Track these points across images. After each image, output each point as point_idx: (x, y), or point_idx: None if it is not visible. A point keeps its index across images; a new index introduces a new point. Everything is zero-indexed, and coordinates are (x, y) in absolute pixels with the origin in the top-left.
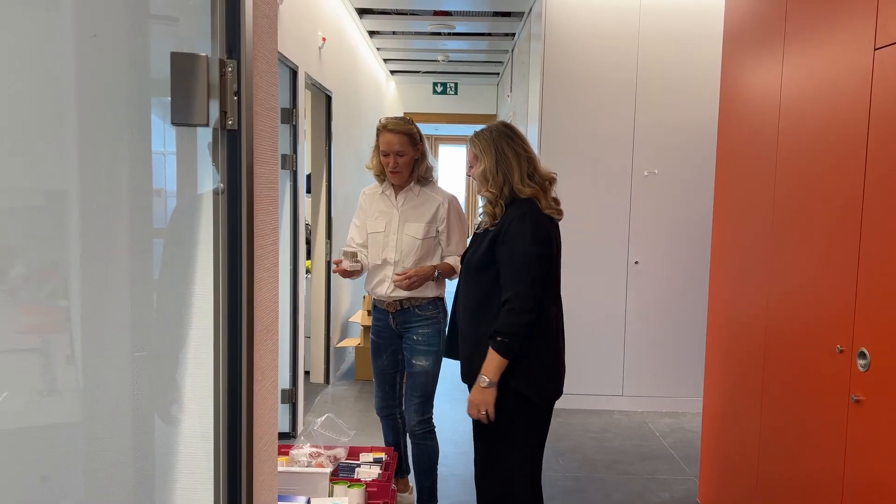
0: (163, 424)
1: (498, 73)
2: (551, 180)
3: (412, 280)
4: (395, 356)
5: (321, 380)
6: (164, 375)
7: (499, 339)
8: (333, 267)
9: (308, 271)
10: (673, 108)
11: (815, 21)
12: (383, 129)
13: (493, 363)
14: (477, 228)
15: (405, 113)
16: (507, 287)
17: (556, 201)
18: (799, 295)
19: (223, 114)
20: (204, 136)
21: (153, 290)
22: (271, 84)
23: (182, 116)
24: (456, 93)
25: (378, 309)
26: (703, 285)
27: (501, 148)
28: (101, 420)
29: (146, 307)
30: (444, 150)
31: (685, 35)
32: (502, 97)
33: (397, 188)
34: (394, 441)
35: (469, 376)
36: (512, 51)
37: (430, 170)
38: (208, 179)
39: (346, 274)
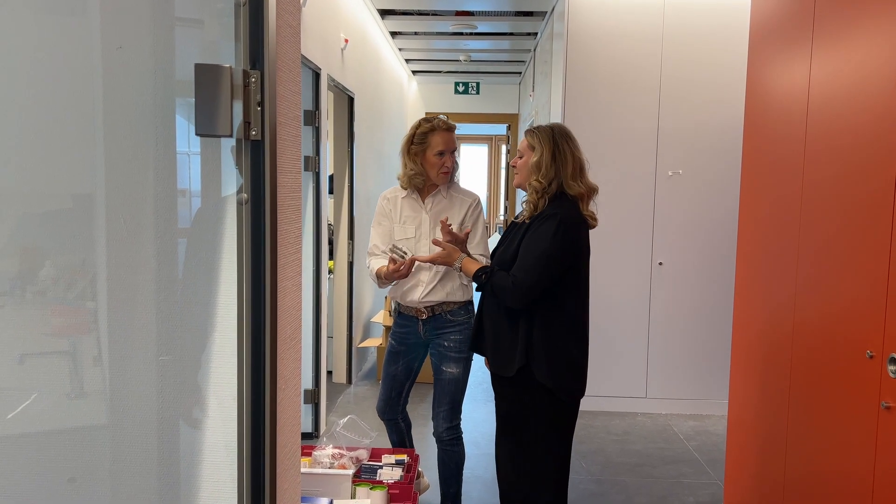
0: (187, 431)
1: (520, 73)
2: (594, 190)
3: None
4: (412, 364)
5: (343, 380)
6: (188, 382)
7: (483, 277)
8: (393, 272)
9: (331, 272)
10: (697, 108)
11: (844, 19)
12: (438, 128)
13: (468, 270)
14: (516, 218)
15: (426, 113)
16: (519, 271)
17: (592, 212)
18: (827, 298)
19: (247, 124)
20: (228, 140)
21: (177, 296)
22: (294, 93)
23: (206, 127)
24: (478, 92)
25: (404, 316)
26: (727, 287)
27: (560, 144)
28: (127, 424)
29: (171, 312)
30: (465, 149)
31: (710, 34)
32: (524, 97)
33: (424, 192)
34: (398, 441)
35: (496, 366)
36: (534, 50)
37: (456, 170)
38: (232, 185)
39: (402, 271)
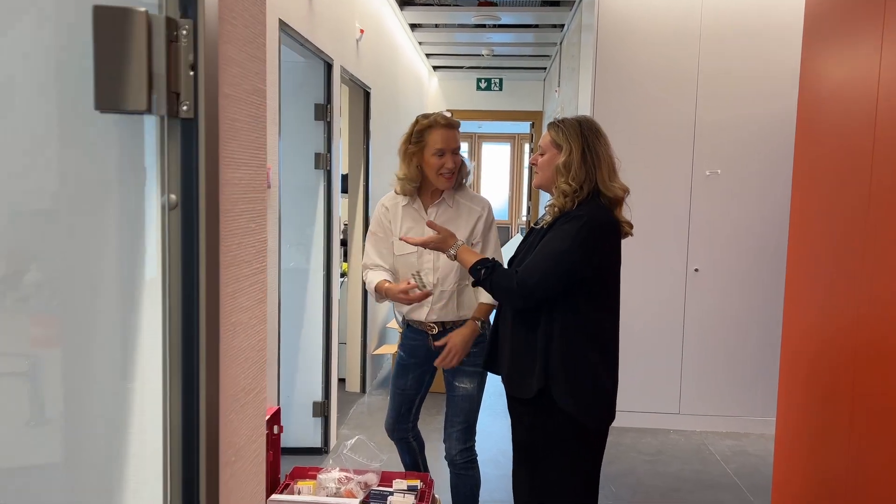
0: None
1: (544, 68)
2: (626, 192)
3: (457, 355)
4: (423, 377)
5: (357, 388)
6: (96, 457)
7: (482, 272)
8: (403, 295)
9: (344, 274)
10: (738, 102)
11: None
12: (436, 124)
13: (465, 260)
14: (535, 224)
15: (446, 109)
16: (524, 268)
17: (628, 221)
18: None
19: (173, 96)
20: (146, 119)
21: (79, 338)
22: (254, 57)
23: (111, 99)
24: (501, 89)
25: (413, 329)
26: (769, 294)
27: (591, 142)
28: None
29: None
30: (487, 148)
31: (753, 23)
32: (549, 93)
33: (428, 199)
34: (411, 462)
35: (513, 387)
36: (560, 43)
37: (467, 173)
38: (153, 182)
39: (412, 297)
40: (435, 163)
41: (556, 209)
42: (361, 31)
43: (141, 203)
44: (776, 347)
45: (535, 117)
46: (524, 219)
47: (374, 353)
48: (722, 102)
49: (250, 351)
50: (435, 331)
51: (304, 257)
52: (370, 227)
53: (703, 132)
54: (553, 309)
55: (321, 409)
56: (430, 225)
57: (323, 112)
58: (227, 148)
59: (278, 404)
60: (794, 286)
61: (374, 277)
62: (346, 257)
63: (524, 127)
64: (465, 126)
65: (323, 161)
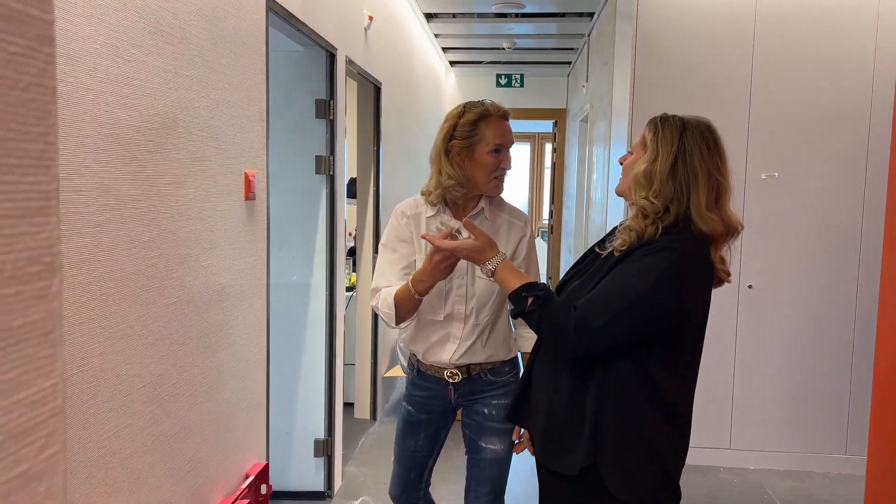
0: None
1: (569, 63)
2: (734, 230)
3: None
4: (438, 434)
5: (366, 415)
6: None
7: (530, 301)
8: (439, 256)
9: (352, 288)
10: (799, 98)
11: None
12: (491, 115)
13: (507, 280)
14: (598, 246)
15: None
16: (587, 304)
17: (724, 261)
18: None
19: None
20: None
21: None
22: None
23: None
24: (522, 85)
25: (426, 376)
26: (837, 314)
27: (690, 151)
28: None
29: None
30: None
31: (818, 9)
32: (574, 89)
33: (460, 210)
34: None
35: (546, 456)
36: (589, 35)
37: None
38: None
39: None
40: (490, 162)
41: (633, 234)
42: (370, 18)
43: None
44: (844, 374)
45: (558, 115)
46: (545, 222)
47: (385, 375)
48: (780, 98)
49: None
50: (457, 378)
51: (307, 271)
52: (383, 241)
53: (758, 131)
54: (613, 362)
55: (323, 448)
56: (467, 225)
57: (325, 109)
58: None
59: (267, 457)
60: (892, 305)
61: (389, 292)
62: (354, 268)
63: (546, 126)
64: None
65: (325, 165)
